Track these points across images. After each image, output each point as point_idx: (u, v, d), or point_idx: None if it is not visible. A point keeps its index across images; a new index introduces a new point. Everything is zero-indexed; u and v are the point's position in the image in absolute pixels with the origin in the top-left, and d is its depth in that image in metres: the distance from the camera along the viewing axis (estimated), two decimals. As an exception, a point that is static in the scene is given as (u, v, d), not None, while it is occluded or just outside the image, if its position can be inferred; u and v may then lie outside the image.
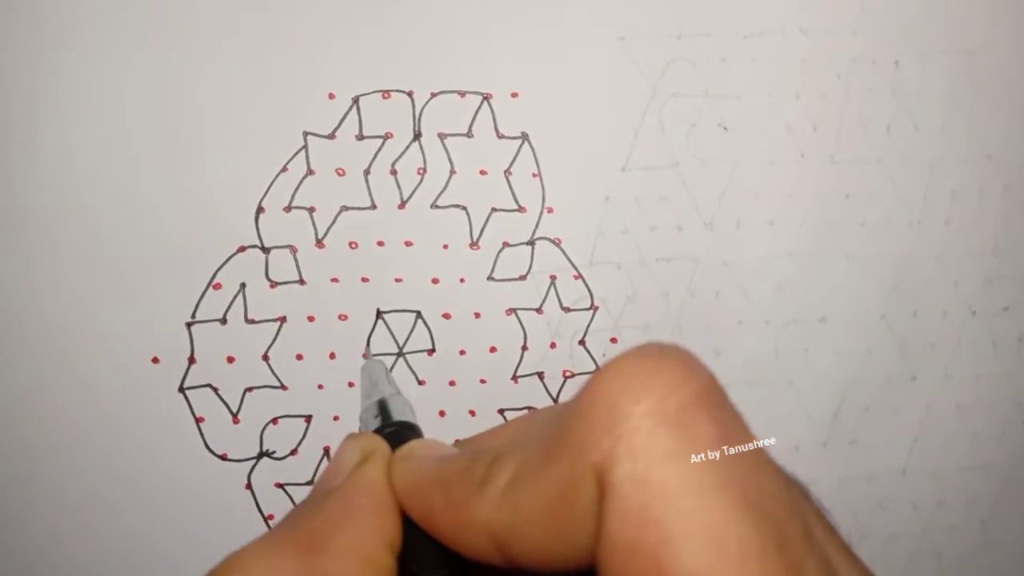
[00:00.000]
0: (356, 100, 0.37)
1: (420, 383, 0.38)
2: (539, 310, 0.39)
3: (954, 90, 0.42)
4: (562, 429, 0.17)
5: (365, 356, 0.38)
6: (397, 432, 0.26)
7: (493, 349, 0.39)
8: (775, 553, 0.15)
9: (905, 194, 0.42)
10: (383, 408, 0.28)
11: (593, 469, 0.16)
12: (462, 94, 0.37)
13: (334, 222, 0.37)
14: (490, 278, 0.38)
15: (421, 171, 0.37)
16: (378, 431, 0.27)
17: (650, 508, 0.15)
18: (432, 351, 0.38)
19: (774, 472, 0.17)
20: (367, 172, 0.37)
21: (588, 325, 0.39)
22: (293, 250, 0.37)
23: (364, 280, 0.37)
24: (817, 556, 0.16)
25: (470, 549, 0.19)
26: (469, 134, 0.38)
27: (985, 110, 0.43)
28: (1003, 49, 0.43)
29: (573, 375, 0.39)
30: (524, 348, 0.39)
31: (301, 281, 0.37)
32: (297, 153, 0.36)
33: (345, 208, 0.37)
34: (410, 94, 0.37)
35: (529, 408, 0.39)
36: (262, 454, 0.37)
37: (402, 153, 0.37)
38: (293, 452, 0.38)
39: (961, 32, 0.42)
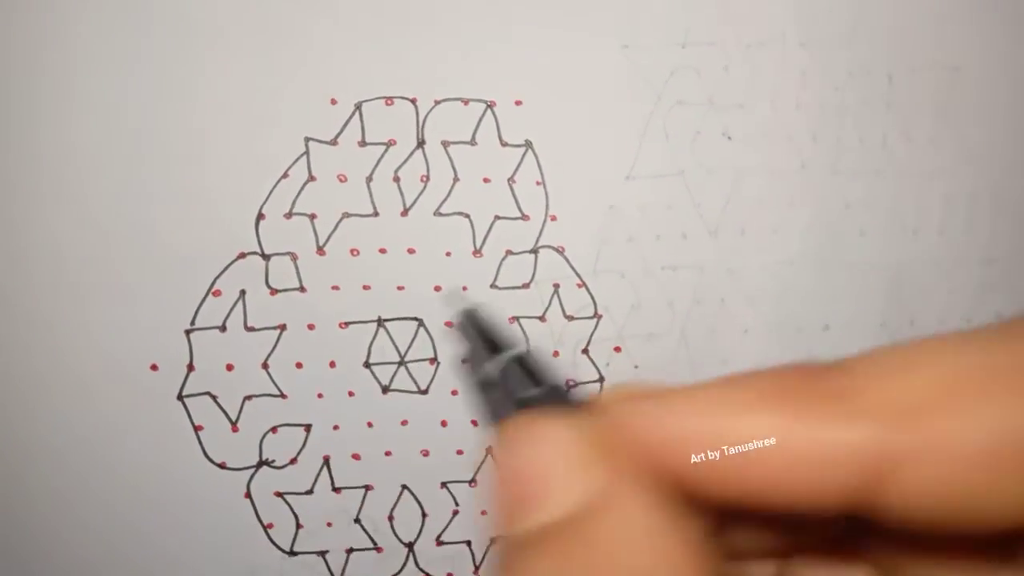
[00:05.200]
0: (359, 106, 0.36)
1: (422, 392, 0.38)
2: (542, 318, 0.39)
3: (942, 104, 0.43)
4: None
5: (451, 301, 0.35)
6: (556, 397, 0.17)
7: (496, 357, 0.38)
8: None
9: (901, 204, 0.43)
10: (524, 368, 0.18)
11: None
12: (465, 102, 0.37)
13: (335, 229, 0.37)
14: (493, 286, 0.38)
15: (424, 178, 0.37)
16: (537, 402, 0.17)
17: None
18: (434, 360, 0.38)
19: None
20: (369, 179, 0.37)
21: (591, 334, 0.39)
22: (294, 257, 0.36)
23: (365, 288, 0.37)
24: None
25: (810, 496, 0.13)
26: (473, 142, 0.37)
27: (971, 123, 0.44)
28: (986, 65, 0.43)
29: (576, 384, 0.39)
30: (527, 356, 0.39)
31: (302, 288, 0.36)
32: (298, 159, 0.36)
33: (347, 215, 0.37)
34: (413, 101, 0.37)
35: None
36: (261, 463, 0.37)
37: (405, 160, 0.37)
38: (292, 461, 0.37)
39: (947, 48, 0.43)
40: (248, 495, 0.37)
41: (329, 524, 0.37)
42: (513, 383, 0.18)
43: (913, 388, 0.12)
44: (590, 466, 0.13)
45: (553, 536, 0.13)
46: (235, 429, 0.36)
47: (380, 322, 0.37)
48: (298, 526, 0.37)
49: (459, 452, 0.38)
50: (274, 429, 0.37)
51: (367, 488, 0.38)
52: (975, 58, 0.43)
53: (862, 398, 0.12)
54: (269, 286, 0.36)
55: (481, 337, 0.20)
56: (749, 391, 0.13)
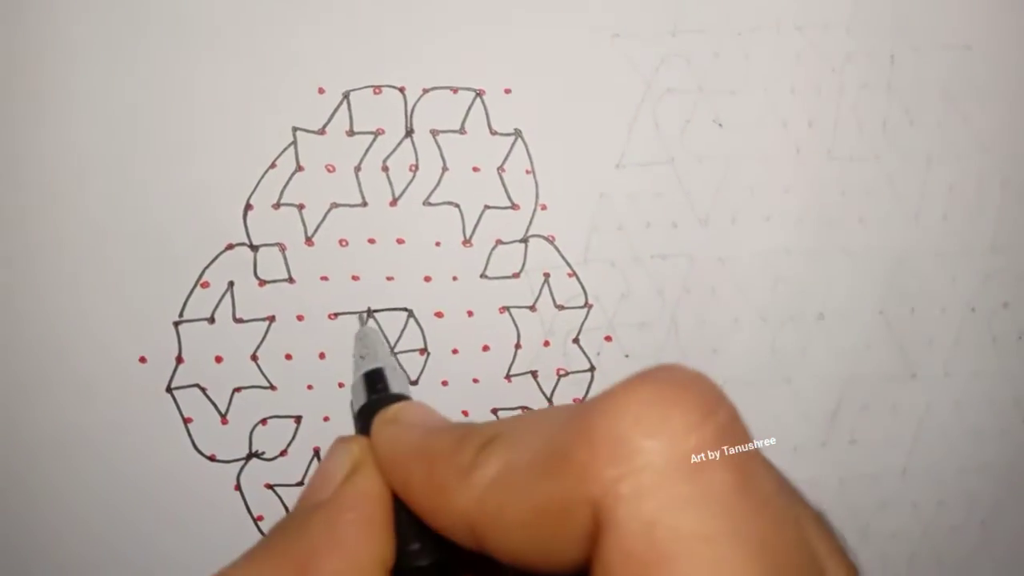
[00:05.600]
0: (347, 95, 0.36)
1: (412, 383, 0.38)
2: (533, 308, 0.38)
3: (949, 85, 0.42)
4: (563, 444, 0.16)
5: (361, 321, 0.37)
6: (390, 404, 0.25)
7: (486, 348, 0.38)
8: None
9: (902, 190, 0.42)
10: (377, 378, 0.28)
11: (591, 498, 0.15)
12: (454, 90, 0.37)
13: (324, 219, 0.36)
14: (483, 276, 0.38)
15: (413, 168, 0.37)
16: (369, 404, 0.27)
17: (658, 553, 0.14)
18: (424, 350, 0.38)
19: (789, 513, 0.16)
20: (358, 168, 0.36)
21: (582, 323, 0.39)
22: (282, 248, 0.36)
23: (355, 278, 0.37)
24: None
25: (445, 531, 0.18)
26: (462, 131, 0.37)
27: (981, 105, 0.43)
28: (998, 44, 0.42)
29: (567, 373, 0.39)
30: (517, 347, 0.38)
31: (290, 279, 0.36)
32: (286, 149, 0.36)
33: (335, 205, 0.36)
34: (402, 90, 0.36)
35: (523, 408, 0.39)
36: (251, 455, 0.37)
37: (394, 149, 0.37)
38: (283, 453, 0.37)
39: (956, 27, 0.42)
40: (238, 487, 0.37)
41: (320, 516, 0.37)
42: (358, 392, 0.27)
43: (490, 469, 0.18)
44: (350, 474, 0.21)
45: (304, 513, 0.20)
46: (224, 421, 0.36)
47: (370, 313, 0.37)
48: (289, 518, 0.37)
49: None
50: (264, 421, 0.37)
51: (358, 480, 0.38)
52: (986, 36, 0.42)
53: (475, 474, 0.18)
54: (258, 277, 0.36)
55: (364, 352, 0.30)
56: (436, 442, 0.19)
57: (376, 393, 0.27)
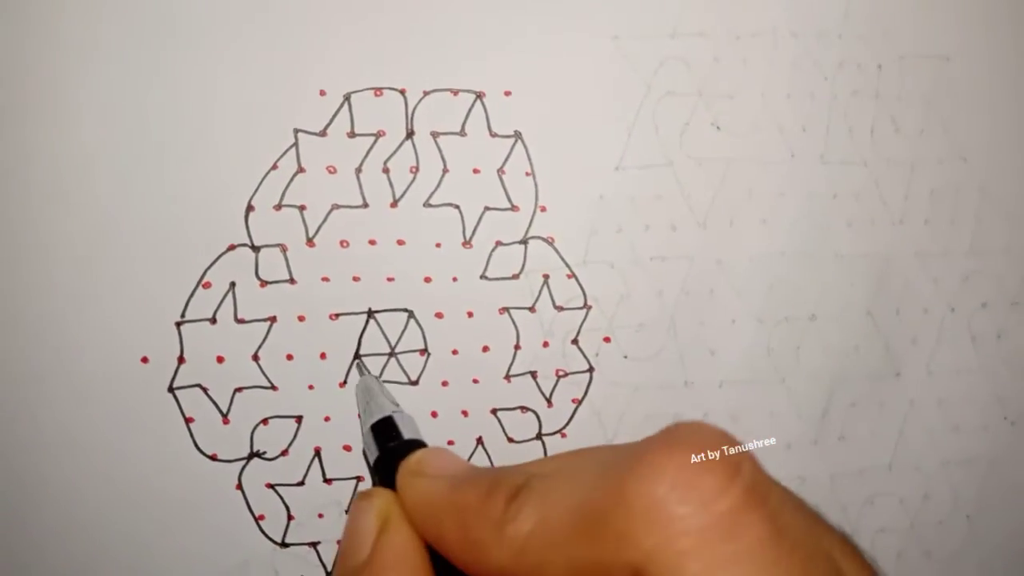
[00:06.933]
0: (348, 97, 0.36)
1: (412, 383, 0.38)
2: (532, 309, 0.39)
3: (931, 94, 0.43)
4: (599, 508, 0.17)
5: (360, 372, 0.37)
6: (407, 452, 0.25)
7: (486, 348, 0.38)
8: None
9: (887, 194, 0.43)
10: (388, 427, 0.28)
11: (631, 564, 0.16)
12: (455, 92, 0.37)
13: (325, 220, 0.36)
14: (483, 277, 0.38)
15: (414, 169, 0.37)
16: (387, 453, 0.27)
17: None
18: (424, 351, 0.38)
19: (819, 549, 0.17)
20: (359, 170, 0.37)
21: (581, 324, 0.39)
22: (283, 249, 0.36)
23: (355, 279, 0.37)
24: None
25: None
26: (462, 132, 0.37)
27: (959, 114, 0.44)
28: (975, 55, 0.44)
29: (566, 374, 0.39)
30: (517, 347, 0.39)
31: (292, 280, 0.36)
32: (287, 151, 0.36)
33: (336, 206, 0.37)
34: (403, 92, 0.37)
35: (522, 408, 0.39)
36: (252, 454, 0.37)
37: (394, 151, 0.37)
38: (284, 452, 0.37)
39: (936, 38, 0.43)
40: (239, 487, 0.37)
41: (320, 515, 0.38)
42: (378, 439, 0.28)
43: (524, 524, 0.18)
44: (381, 531, 0.21)
45: None
46: (226, 421, 0.36)
47: (370, 313, 0.37)
48: (289, 517, 0.37)
49: (450, 442, 0.38)
50: (265, 421, 0.37)
51: (358, 479, 0.38)
52: (965, 48, 0.43)
53: (509, 528, 0.18)
54: (259, 278, 0.36)
55: (369, 402, 0.31)
56: (464, 494, 0.20)
57: (390, 441, 0.28)
